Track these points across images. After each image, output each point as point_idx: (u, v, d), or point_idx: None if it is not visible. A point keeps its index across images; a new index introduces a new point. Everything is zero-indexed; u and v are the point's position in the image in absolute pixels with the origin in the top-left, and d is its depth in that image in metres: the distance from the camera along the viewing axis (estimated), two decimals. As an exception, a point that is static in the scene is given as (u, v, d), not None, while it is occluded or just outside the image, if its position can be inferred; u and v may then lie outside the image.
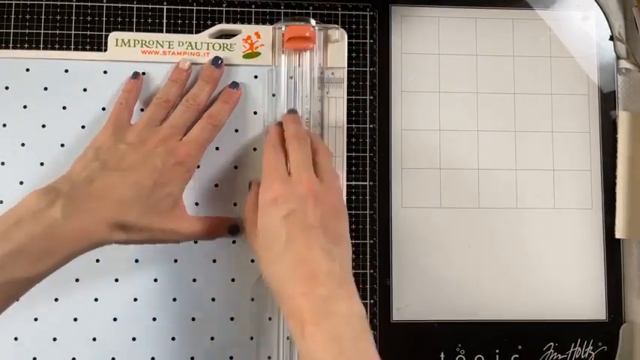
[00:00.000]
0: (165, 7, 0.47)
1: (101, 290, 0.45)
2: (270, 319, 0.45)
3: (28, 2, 0.47)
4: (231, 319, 0.45)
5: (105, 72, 0.46)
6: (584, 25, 0.50)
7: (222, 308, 0.45)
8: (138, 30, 0.47)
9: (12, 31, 0.46)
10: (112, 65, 0.46)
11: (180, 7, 0.47)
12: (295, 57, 0.47)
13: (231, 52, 0.47)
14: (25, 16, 0.47)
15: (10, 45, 0.46)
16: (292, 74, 0.47)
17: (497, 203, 0.48)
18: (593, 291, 0.47)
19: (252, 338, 0.45)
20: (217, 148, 0.46)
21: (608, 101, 0.49)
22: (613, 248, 0.48)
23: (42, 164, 0.45)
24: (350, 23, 0.48)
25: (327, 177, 0.41)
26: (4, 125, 0.45)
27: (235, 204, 0.46)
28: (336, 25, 0.48)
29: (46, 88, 0.46)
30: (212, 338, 0.45)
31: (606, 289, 0.47)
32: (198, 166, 0.45)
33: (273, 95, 0.47)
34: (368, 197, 0.47)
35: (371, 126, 0.48)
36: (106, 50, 0.46)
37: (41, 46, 0.46)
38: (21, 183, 0.45)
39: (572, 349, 0.46)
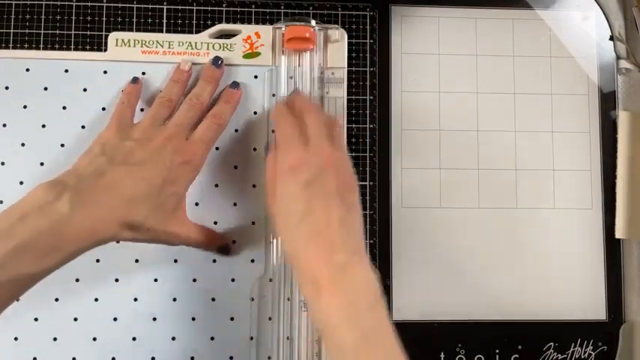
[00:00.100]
0: (165, 7, 0.47)
1: (101, 290, 0.45)
2: (270, 319, 0.45)
3: (28, 2, 0.47)
4: (231, 319, 0.45)
5: (105, 72, 0.46)
6: (584, 25, 0.50)
7: (222, 308, 0.45)
8: (138, 30, 0.47)
9: (12, 31, 0.46)
10: (112, 65, 0.46)
11: (180, 7, 0.47)
12: (295, 57, 0.47)
13: (231, 52, 0.47)
14: (25, 16, 0.47)
15: (10, 45, 0.46)
16: (292, 74, 0.47)
17: (497, 203, 0.48)
18: (593, 291, 0.47)
19: (252, 338, 0.45)
20: (217, 148, 0.46)
21: (608, 101, 0.49)
22: (613, 248, 0.48)
23: (42, 164, 0.45)
24: (350, 23, 0.48)
25: (341, 147, 0.41)
26: (4, 125, 0.45)
27: (235, 204, 0.46)
28: (336, 25, 0.48)
29: (46, 88, 0.46)
30: (212, 338, 0.45)
31: (606, 289, 0.47)
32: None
33: (273, 95, 0.47)
34: (368, 197, 0.47)
35: (371, 126, 0.48)
36: (106, 50, 0.46)
37: (41, 46, 0.46)
38: (21, 183, 0.45)
39: (572, 349, 0.46)
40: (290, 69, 0.47)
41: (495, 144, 0.48)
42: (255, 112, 0.47)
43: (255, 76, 0.47)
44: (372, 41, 0.48)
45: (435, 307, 0.47)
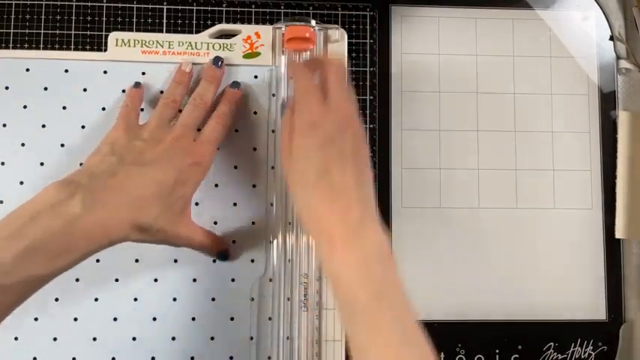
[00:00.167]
0: (165, 7, 0.47)
1: (101, 290, 0.45)
2: (270, 319, 0.45)
3: (28, 2, 0.47)
4: (231, 319, 0.45)
5: (105, 72, 0.46)
6: (584, 25, 0.50)
7: (222, 308, 0.45)
8: (138, 30, 0.47)
9: (12, 31, 0.46)
10: (112, 65, 0.46)
11: (180, 7, 0.47)
12: (295, 57, 0.47)
13: (231, 52, 0.47)
14: (25, 16, 0.47)
15: (10, 45, 0.46)
16: (292, 75, 0.47)
17: (497, 203, 0.48)
18: (593, 291, 0.47)
19: (252, 338, 0.45)
20: (217, 148, 0.46)
21: (608, 101, 0.49)
22: (613, 248, 0.48)
23: (42, 164, 0.45)
24: (350, 23, 0.48)
25: (356, 105, 0.40)
26: (4, 125, 0.45)
27: (235, 204, 0.46)
28: (336, 25, 0.48)
29: (46, 88, 0.46)
30: (212, 338, 0.45)
31: (606, 289, 0.47)
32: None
33: (273, 95, 0.47)
34: (368, 197, 0.47)
35: (371, 126, 0.48)
36: (106, 50, 0.46)
37: (41, 46, 0.46)
38: (21, 183, 0.45)
39: (572, 349, 0.46)
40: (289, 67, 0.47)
41: (495, 144, 0.48)
42: (255, 112, 0.47)
43: (255, 76, 0.47)
44: (372, 41, 0.48)
45: (435, 307, 0.47)
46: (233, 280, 0.45)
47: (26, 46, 0.46)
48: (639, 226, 0.47)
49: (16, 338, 0.44)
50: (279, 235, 0.46)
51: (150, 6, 0.47)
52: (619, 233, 0.47)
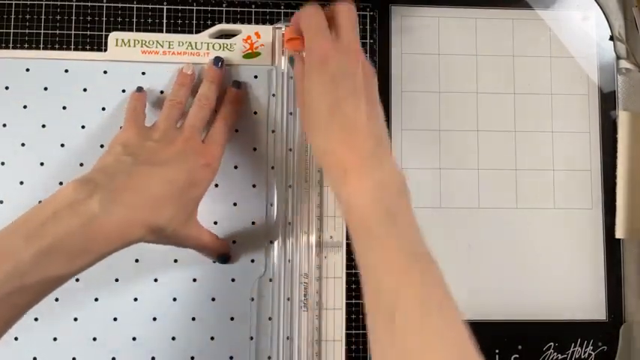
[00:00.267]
0: (165, 7, 0.47)
1: (101, 290, 0.45)
2: (270, 319, 0.45)
3: (28, 2, 0.47)
4: (231, 319, 0.45)
5: (105, 72, 0.46)
6: (584, 25, 0.50)
7: (222, 308, 0.45)
8: (138, 30, 0.47)
9: (12, 31, 0.46)
10: (112, 65, 0.46)
11: (180, 7, 0.47)
12: (295, 57, 0.47)
13: (231, 52, 0.47)
14: (25, 16, 0.47)
15: (10, 45, 0.46)
16: (292, 74, 0.47)
17: (497, 203, 0.48)
18: (593, 291, 0.47)
19: (252, 338, 0.45)
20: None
21: (608, 101, 0.49)
22: (613, 248, 0.48)
23: (42, 164, 0.45)
24: (350, 23, 0.48)
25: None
26: (4, 125, 0.45)
27: (235, 204, 0.46)
28: (336, 25, 0.48)
29: (46, 88, 0.46)
30: (212, 338, 0.45)
31: (606, 289, 0.47)
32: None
33: (273, 95, 0.47)
34: (368, 197, 0.47)
35: (371, 126, 0.48)
36: (106, 50, 0.46)
37: (41, 46, 0.46)
38: (21, 183, 0.45)
39: (572, 349, 0.46)
40: (290, 69, 0.47)
41: (495, 144, 0.48)
42: (255, 112, 0.47)
43: (255, 76, 0.47)
44: (372, 41, 0.48)
45: (435, 307, 0.46)
46: (233, 280, 0.45)
47: (26, 46, 0.46)
48: (639, 226, 0.47)
49: (16, 338, 0.44)
50: (279, 235, 0.46)
51: (150, 6, 0.47)
52: (619, 233, 0.47)
